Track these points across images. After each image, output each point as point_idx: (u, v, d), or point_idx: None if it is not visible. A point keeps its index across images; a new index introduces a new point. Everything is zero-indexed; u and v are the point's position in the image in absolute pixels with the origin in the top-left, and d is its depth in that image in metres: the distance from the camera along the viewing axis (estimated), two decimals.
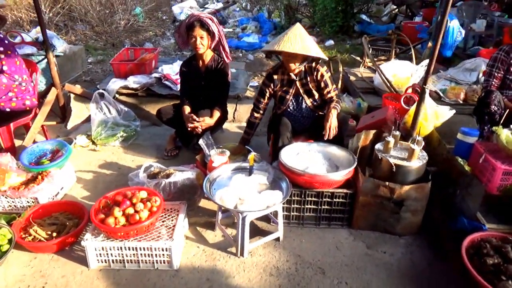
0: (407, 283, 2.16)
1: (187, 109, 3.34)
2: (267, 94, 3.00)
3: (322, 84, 2.86)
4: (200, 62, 3.36)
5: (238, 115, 4.34)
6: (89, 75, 5.60)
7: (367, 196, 2.43)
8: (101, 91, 3.79)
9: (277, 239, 2.46)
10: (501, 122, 2.91)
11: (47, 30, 3.94)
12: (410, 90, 3.52)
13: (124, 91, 4.37)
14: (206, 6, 10.75)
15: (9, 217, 2.48)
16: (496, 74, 3.20)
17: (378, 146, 2.55)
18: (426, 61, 4.23)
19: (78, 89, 4.14)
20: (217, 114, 3.30)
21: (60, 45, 5.04)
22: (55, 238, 2.29)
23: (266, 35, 8.25)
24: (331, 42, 7.71)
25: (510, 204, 2.36)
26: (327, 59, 2.79)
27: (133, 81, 4.31)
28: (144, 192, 2.35)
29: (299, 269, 2.25)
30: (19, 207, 2.67)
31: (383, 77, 4.32)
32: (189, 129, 3.22)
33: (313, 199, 2.53)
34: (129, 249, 2.15)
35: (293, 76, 2.86)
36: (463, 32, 5.65)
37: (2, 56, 2.95)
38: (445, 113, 2.98)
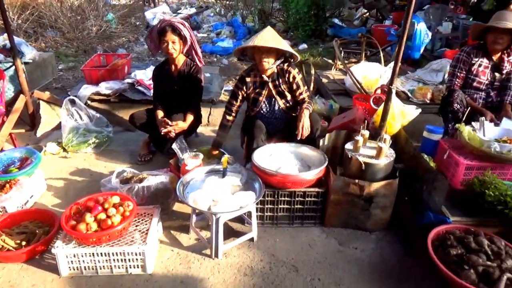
0: (377, 278, 2.22)
1: (160, 113, 3.34)
2: (240, 97, 3.03)
3: (294, 86, 2.92)
4: (173, 66, 3.37)
5: (213, 119, 4.35)
6: (60, 82, 5.50)
7: (338, 194, 2.49)
8: (72, 97, 3.73)
9: (251, 239, 2.48)
10: (463, 119, 3.04)
11: (15, 37, 3.86)
12: (379, 91, 3.63)
13: (96, 97, 4.31)
14: (179, 11, 10.74)
15: None
16: (458, 74, 3.34)
17: (348, 145, 2.62)
18: None
19: (47, 95, 4.05)
20: (190, 118, 3.31)
21: (29, 52, 4.93)
22: (25, 247, 2.24)
23: (240, 39, 8.32)
24: (304, 45, 7.84)
25: (473, 198, 2.47)
26: (299, 57, 2.85)
27: (105, 87, 4.27)
28: (117, 197, 2.33)
29: (273, 268, 2.28)
30: None
31: (354, 79, 4.43)
32: (162, 133, 3.21)
33: (286, 198, 2.57)
34: (101, 255, 2.13)
35: (266, 78, 2.90)
36: (430, 34, 5.85)
37: None
38: (412, 112, 3.08)
